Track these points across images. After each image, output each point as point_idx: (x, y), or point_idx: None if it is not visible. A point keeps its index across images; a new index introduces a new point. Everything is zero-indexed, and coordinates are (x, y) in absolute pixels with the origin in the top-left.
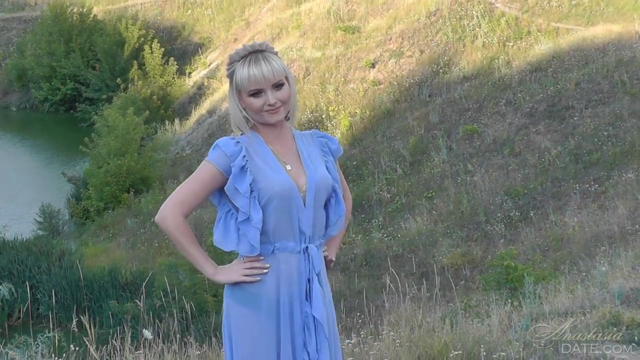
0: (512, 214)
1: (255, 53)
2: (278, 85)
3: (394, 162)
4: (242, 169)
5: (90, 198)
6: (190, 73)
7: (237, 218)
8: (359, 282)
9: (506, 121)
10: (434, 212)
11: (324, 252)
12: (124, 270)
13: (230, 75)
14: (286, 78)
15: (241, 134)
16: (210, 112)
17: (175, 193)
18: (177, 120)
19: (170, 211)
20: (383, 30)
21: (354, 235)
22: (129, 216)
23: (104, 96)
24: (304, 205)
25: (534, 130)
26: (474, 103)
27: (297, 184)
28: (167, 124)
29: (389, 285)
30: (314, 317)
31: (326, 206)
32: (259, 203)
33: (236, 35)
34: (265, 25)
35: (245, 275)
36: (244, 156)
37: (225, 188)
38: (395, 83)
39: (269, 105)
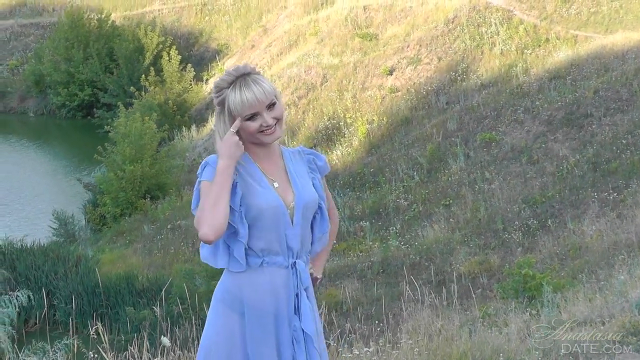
0: (529, 222)
1: (242, 77)
2: (271, 105)
3: (411, 169)
4: (233, 185)
5: (106, 205)
6: (207, 79)
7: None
8: (376, 290)
9: (524, 129)
10: (451, 220)
11: (309, 269)
12: (140, 277)
13: (221, 103)
14: (275, 96)
15: None
16: None
17: (197, 218)
18: (193, 127)
19: (205, 223)
20: (401, 37)
21: (371, 243)
22: (145, 222)
23: (120, 102)
24: (292, 222)
25: (552, 138)
26: (492, 111)
27: (284, 201)
28: (183, 130)
29: (407, 293)
30: (303, 331)
31: (312, 222)
32: (246, 218)
33: (253, 42)
34: (283, 31)
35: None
36: (234, 173)
37: None
38: (413, 90)
39: (266, 126)
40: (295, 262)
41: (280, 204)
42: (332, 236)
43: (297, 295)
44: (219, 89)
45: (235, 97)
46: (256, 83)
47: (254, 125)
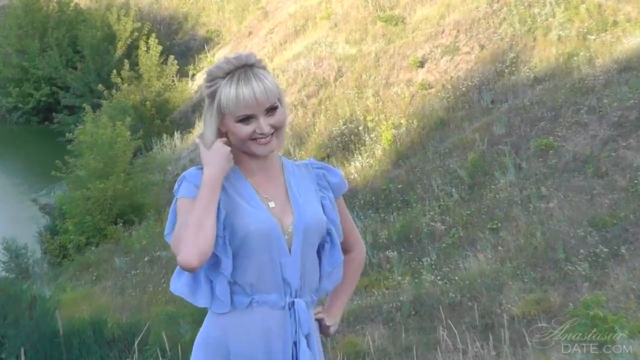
0: (598, 250)
1: (243, 68)
2: (271, 109)
3: (449, 184)
4: None
5: (67, 232)
6: (193, 75)
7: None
8: (406, 337)
9: (589, 133)
10: (499, 247)
11: (317, 313)
12: (110, 322)
13: (211, 95)
14: (279, 99)
15: None
16: None
17: (172, 244)
18: (177, 134)
19: (187, 244)
20: (434, 20)
21: (399, 278)
22: (117, 254)
23: (85, 104)
24: (289, 250)
25: (624, 144)
26: (549, 111)
27: (281, 224)
28: (164, 138)
29: (446, 341)
30: None
31: (319, 253)
32: (230, 245)
33: (251, 28)
34: (287, 14)
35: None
36: None
37: None
38: (450, 86)
39: (261, 133)
40: (293, 302)
41: (274, 226)
42: (355, 271)
43: (295, 343)
44: (212, 77)
45: (229, 92)
46: (258, 79)
47: (246, 129)
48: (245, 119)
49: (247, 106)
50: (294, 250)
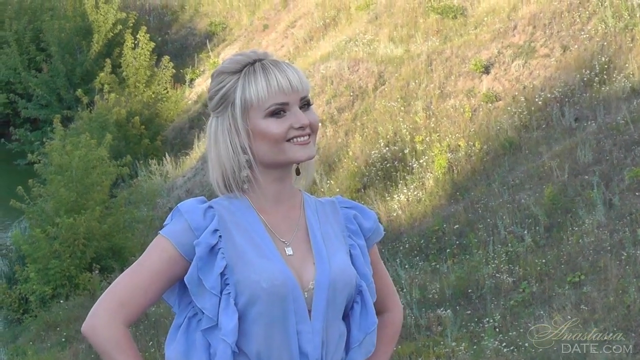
0: None
1: (265, 60)
2: (306, 104)
3: (520, 225)
4: (212, 250)
5: (29, 280)
6: (192, 80)
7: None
8: None
9: None
10: (583, 306)
11: None
12: None
13: (224, 98)
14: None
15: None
16: None
17: (113, 289)
18: (169, 157)
19: (104, 317)
20: (503, 13)
21: (454, 344)
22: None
23: (56, 116)
24: (309, 313)
25: None
26: None
27: (299, 279)
28: (153, 162)
29: None
30: None
31: (346, 316)
32: (236, 304)
33: (267, 20)
34: (314, 4)
35: None
36: (216, 230)
37: (185, 279)
38: (522, 98)
39: (299, 127)
40: None
41: (292, 282)
42: (392, 338)
43: None
44: (223, 74)
45: (256, 80)
46: (289, 66)
47: (280, 125)
48: (277, 112)
49: (281, 92)
50: (316, 314)
